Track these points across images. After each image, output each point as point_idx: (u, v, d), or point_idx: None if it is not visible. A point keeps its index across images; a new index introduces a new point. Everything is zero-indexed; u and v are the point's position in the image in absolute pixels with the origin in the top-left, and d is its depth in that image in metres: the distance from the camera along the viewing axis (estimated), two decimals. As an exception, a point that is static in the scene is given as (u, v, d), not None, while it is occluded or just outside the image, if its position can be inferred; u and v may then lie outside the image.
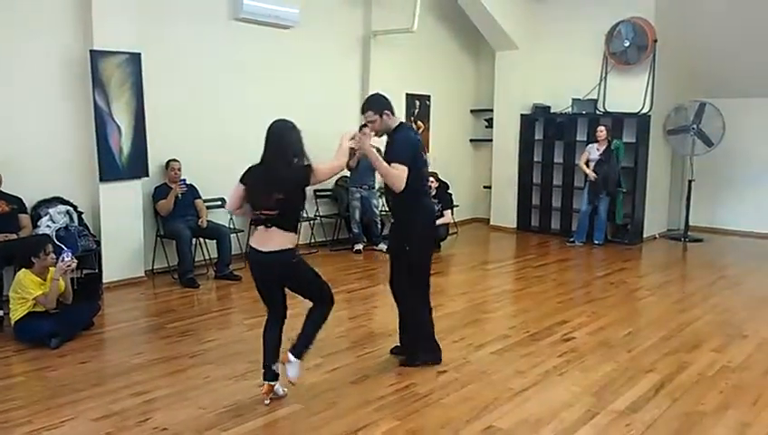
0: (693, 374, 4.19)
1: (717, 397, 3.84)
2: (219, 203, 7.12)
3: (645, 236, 9.09)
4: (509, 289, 6.71)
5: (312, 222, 8.05)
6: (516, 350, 4.63)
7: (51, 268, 4.72)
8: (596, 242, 8.73)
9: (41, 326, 4.58)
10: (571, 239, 8.80)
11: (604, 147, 8.41)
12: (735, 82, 8.99)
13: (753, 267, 7.63)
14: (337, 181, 8.27)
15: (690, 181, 9.22)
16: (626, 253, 8.36)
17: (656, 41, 8.46)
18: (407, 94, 9.27)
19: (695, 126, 8.91)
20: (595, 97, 9.07)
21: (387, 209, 8.62)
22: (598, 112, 9.04)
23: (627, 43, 8.57)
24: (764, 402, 3.77)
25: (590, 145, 8.62)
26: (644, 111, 8.68)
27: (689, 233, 9.22)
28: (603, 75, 9.01)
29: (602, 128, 8.44)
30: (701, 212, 9.55)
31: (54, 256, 4.71)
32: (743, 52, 8.54)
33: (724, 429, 3.43)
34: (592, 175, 8.42)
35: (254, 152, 7.28)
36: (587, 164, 8.54)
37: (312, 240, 8.14)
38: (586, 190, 8.64)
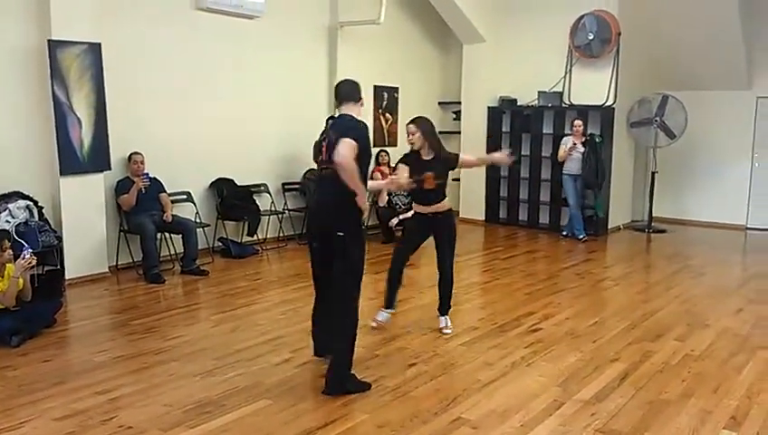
0: (656, 363, 4.27)
1: (680, 385, 3.91)
2: (185, 197, 7.03)
3: (610, 227, 9.23)
4: (477, 281, 6.74)
5: (280, 216, 7.99)
6: (484, 341, 4.66)
7: (9, 265, 4.60)
8: (563, 234, 8.85)
9: (1, 324, 4.45)
10: (582, 236, 8.62)
11: (580, 141, 8.46)
12: (698, 74, 9.17)
13: (715, 258, 7.80)
14: (305, 174, 8.21)
15: (653, 173, 9.38)
16: (591, 244, 8.48)
17: (619, 34, 8.57)
18: (375, 86, 9.24)
19: (658, 118, 9.06)
20: (560, 90, 9.15)
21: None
22: (563, 105, 9.13)
23: (591, 36, 8.66)
24: (725, 390, 3.85)
25: (565, 138, 8.64)
26: (608, 103, 8.79)
27: (653, 224, 9.39)
28: (568, 68, 9.10)
29: (579, 122, 8.47)
30: (664, 203, 9.73)
31: (12, 252, 4.59)
32: (705, 45, 8.71)
33: (686, 416, 3.50)
34: (566, 154, 8.44)
35: (218, 144, 7.22)
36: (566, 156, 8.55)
37: (281, 234, 8.08)
38: (576, 184, 8.55)
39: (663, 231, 9.32)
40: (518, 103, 9.59)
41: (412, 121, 4.73)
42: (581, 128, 8.46)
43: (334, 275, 3.77)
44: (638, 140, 9.61)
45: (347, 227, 3.72)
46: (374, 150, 6.17)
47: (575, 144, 8.43)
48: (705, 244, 8.71)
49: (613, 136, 8.94)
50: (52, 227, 5.81)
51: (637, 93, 9.22)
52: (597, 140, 8.54)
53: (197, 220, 6.97)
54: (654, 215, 9.44)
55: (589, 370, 4.13)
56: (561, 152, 8.57)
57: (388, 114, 9.52)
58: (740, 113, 9.37)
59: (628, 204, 9.91)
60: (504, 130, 9.79)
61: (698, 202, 9.81)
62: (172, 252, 6.77)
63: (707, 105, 9.38)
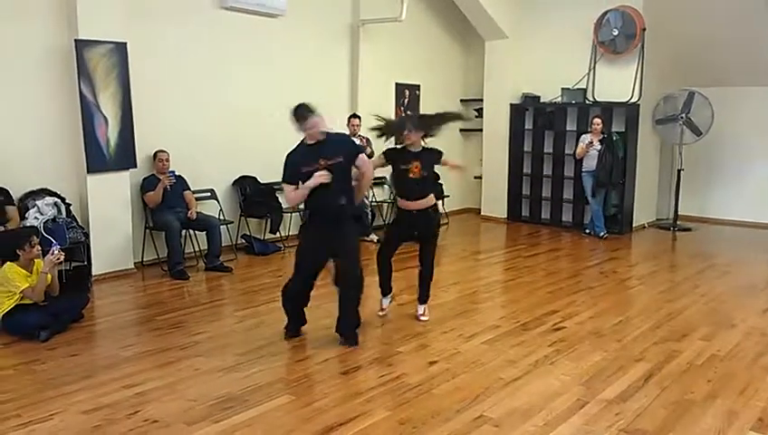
0: (682, 363, 4.22)
1: (706, 386, 3.87)
2: (209, 194, 7.10)
3: (634, 225, 9.13)
4: (500, 279, 6.72)
5: (301, 213, 8.01)
6: (507, 340, 4.64)
7: (37, 260, 4.68)
8: (586, 232, 8.78)
9: (29, 319, 4.55)
10: (603, 233, 8.56)
11: (598, 138, 8.38)
12: (724, 70, 9.01)
13: (741, 256, 7.68)
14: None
15: (679, 170, 9.25)
16: (616, 242, 8.39)
17: (644, 29, 8.46)
18: (396, 84, 9.24)
19: (683, 115, 8.93)
20: (584, 86, 9.07)
21: (377, 200, 8.67)
22: (587, 102, 9.04)
23: (615, 32, 8.57)
24: (752, 391, 3.79)
25: (584, 135, 8.58)
26: (633, 100, 8.69)
27: (678, 222, 9.27)
28: (592, 64, 9.01)
29: (598, 120, 8.39)
30: (690, 201, 9.59)
31: (40, 248, 4.67)
32: (731, 40, 8.55)
33: (712, 417, 3.45)
34: (584, 151, 8.38)
35: (241, 142, 7.25)
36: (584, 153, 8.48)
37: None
38: (594, 184, 8.48)
39: (688, 229, 9.20)
40: (541, 100, 9.51)
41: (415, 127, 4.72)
42: (600, 126, 8.37)
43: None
44: (663, 138, 9.49)
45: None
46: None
47: (592, 142, 8.36)
48: (732, 242, 8.58)
49: (638, 133, 8.83)
50: (80, 223, 5.91)
51: (662, 90, 9.10)
52: (614, 138, 8.44)
53: (221, 217, 7.04)
54: (679, 213, 9.32)
55: (613, 369, 4.10)
56: (579, 149, 8.50)
57: (409, 112, 9.49)
58: (768, 110, 9.21)
59: (653, 202, 9.79)
60: (526, 127, 9.73)
61: (725, 200, 9.64)
62: (196, 249, 6.84)
63: (734, 102, 9.22)
